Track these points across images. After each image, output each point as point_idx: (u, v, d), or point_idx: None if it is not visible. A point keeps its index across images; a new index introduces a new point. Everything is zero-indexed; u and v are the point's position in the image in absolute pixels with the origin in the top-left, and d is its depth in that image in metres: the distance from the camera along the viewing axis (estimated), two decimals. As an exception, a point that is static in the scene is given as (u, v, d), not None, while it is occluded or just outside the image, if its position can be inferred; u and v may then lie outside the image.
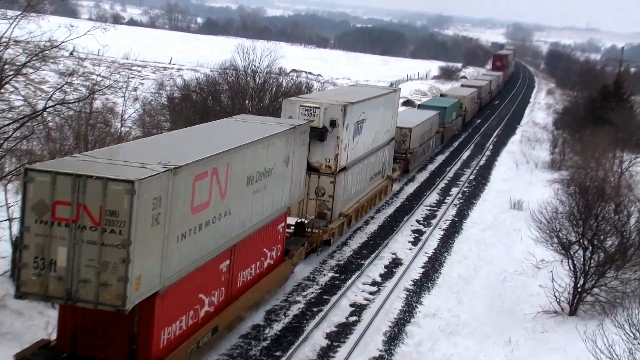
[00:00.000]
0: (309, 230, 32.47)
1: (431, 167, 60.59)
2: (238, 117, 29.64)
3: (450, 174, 58.31)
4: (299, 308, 27.89)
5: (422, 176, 56.20)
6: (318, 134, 32.97)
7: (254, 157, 23.57)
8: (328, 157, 33.96)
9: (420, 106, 73.51)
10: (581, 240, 28.74)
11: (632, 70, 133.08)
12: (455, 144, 74.73)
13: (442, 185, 53.94)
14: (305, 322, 26.58)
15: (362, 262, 34.23)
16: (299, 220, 32.02)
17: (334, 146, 33.86)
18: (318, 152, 33.86)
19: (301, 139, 28.29)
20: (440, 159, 64.81)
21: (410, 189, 51.34)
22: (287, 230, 29.90)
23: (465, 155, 68.67)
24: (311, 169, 33.33)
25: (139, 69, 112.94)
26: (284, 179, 26.81)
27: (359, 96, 38.59)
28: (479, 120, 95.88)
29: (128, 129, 46.94)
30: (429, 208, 46.49)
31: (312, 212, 34.24)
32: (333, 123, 33.51)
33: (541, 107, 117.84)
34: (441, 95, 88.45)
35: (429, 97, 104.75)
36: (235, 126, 27.04)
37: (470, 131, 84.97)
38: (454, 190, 52.07)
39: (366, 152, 39.82)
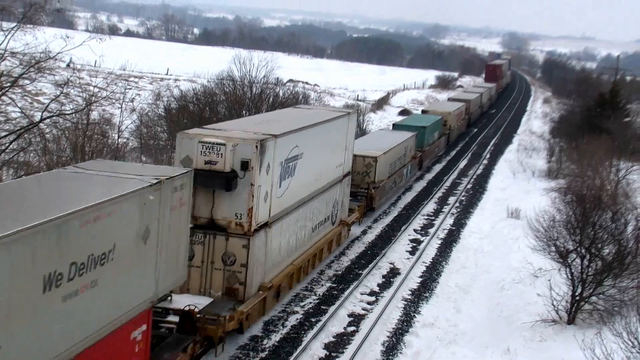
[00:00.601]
0: (202, 321, 22.33)
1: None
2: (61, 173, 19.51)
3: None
4: (297, 318, 27.84)
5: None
6: (223, 181, 24.33)
7: (60, 242, 14.51)
8: (239, 212, 24.69)
9: (395, 126, 61.61)
10: (579, 249, 28.73)
11: (628, 78, 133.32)
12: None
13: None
14: (303, 332, 26.54)
15: (360, 272, 34.18)
16: (186, 309, 21.98)
17: (246, 197, 24.62)
18: (225, 205, 24.87)
19: (176, 197, 19.42)
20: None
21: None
22: (167, 324, 21.76)
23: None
24: (217, 227, 24.96)
25: (136, 79, 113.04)
26: (140, 263, 17.87)
27: (292, 124, 29.66)
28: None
29: (125, 140, 46.98)
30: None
31: (219, 287, 25.21)
32: (245, 165, 24.54)
33: (538, 116, 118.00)
34: (423, 111, 77.56)
35: (426, 105, 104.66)
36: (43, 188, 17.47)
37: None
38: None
39: (304, 198, 30.49)
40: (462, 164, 68.80)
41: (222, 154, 24.07)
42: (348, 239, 39.28)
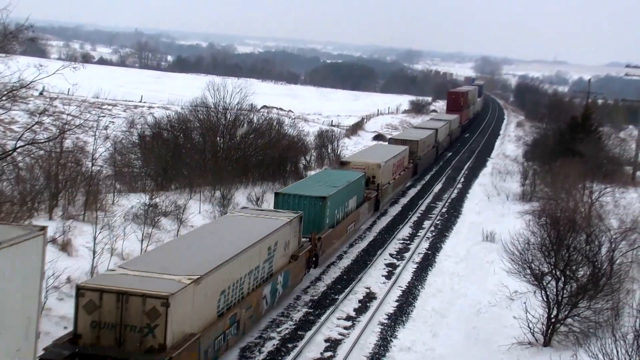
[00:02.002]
0: None
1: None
2: None
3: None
4: (274, 344, 27.75)
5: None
6: None
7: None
8: None
9: (279, 196, 39.49)
10: (553, 271, 28.87)
11: (600, 102, 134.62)
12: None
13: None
14: (280, 358, 26.44)
15: (336, 296, 34.15)
16: None
17: None
18: None
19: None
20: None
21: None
22: None
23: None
24: None
25: (110, 107, 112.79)
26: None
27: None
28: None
29: (99, 167, 46.76)
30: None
31: None
32: None
33: (511, 139, 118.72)
34: (342, 163, 54.72)
35: (400, 132, 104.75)
36: None
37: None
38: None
39: None
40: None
41: None
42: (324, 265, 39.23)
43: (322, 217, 38.56)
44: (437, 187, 68.95)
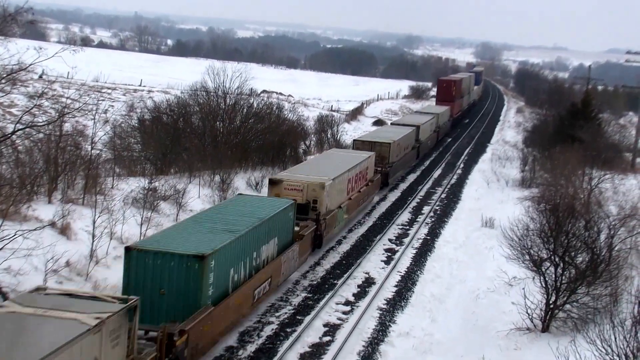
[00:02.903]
0: None
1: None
2: None
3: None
4: (273, 329, 27.79)
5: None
6: None
7: None
8: None
9: (131, 254, 23.81)
10: (552, 257, 28.89)
11: (600, 88, 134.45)
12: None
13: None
14: (278, 343, 26.49)
15: (335, 281, 34.19)
16: None
17: None
18: None
19: None
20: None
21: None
22: None
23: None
24: None
25: (109, 91, 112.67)
26: None
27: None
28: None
29: (98, 151, 46.70)
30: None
31: None
32: None
33: (511, 126, 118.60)
34: (272, 182, 39.33)
35: (400, 117, 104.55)
36: None
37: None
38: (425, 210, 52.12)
39: None
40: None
41: None
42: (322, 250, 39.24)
43: (197, 288, 23.38)
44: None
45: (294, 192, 37.84)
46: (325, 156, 51.51)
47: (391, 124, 77.04)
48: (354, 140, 60.68)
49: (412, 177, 65.16)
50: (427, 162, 74.28)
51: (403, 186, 60.38)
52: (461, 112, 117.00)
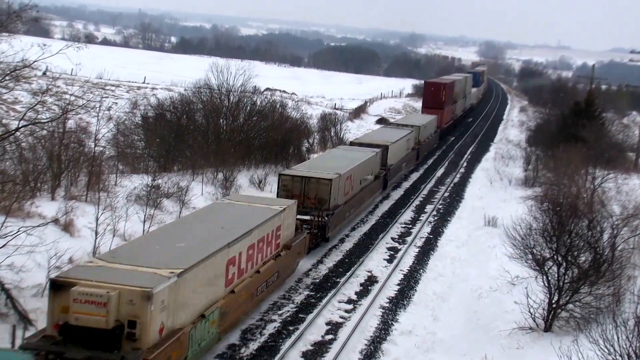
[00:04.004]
0: None
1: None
2: None
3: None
4: (275, 327, 27.81)
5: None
6: None
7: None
8: None
9: None
10: (555, 257, 28.87)
11: (603, 87, 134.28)
12: None
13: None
14: (281, 341, 26.50)
15: (338, 280, 34.19)
16: None
17: None
18: None
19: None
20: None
21: (348, 244, 40.16)
22: None
23: None
24: None
25: (113, 88, 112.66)
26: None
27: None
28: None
29: (102, 148, 46.77)
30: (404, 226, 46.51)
31: None
32: None
33: (514, 124, 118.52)
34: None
35: (403, 115, 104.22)
36: None
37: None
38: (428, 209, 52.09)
39: None
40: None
41: None
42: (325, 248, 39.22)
43: None
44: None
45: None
46: (216, 209, 32.68)
47: (350, 142, 56.64)
48: (281, 174, 39.99)
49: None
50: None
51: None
52: (453, 121, 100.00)
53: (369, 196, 48.51)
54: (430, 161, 73.89)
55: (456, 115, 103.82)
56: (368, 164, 47.40)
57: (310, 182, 38.82)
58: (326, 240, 38.83)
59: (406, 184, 60.45)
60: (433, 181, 62.95)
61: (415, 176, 64.77)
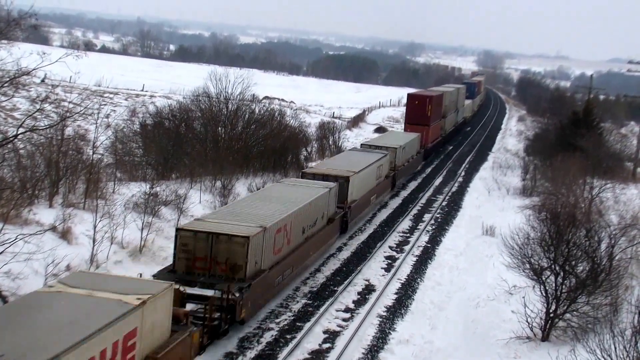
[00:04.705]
0: None
1: (380, 217, 48.40)
2: None
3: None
4: (272, 335, 27.78)
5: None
6: None
7: None
8: None
9: None
10: (553, 266, 28.89)
11: (601, 97, 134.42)
12: None
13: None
14: (278, 349, 26.48)
15: (336, 288, 34.18)
16: None
17: None
18: None
19: None
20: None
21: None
22: None
23: None
24: None
25: (111, 95, 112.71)
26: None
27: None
28: None
29: (100, 156, 46.74)
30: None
31: None
32: None
33: (512, 134, 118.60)
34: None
35: (394, 129, 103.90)
36: None
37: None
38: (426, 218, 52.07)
39: None
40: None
41: None
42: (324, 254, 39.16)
43: None
44: None
45: None
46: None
47: (302, 174, 45.14)
48: (177, 228, 29.05)
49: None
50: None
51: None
52: (442, 138, 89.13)
53: (317, 247, 37.37)
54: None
55: (445, 131, 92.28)
56: (317, 204, 36.60)
57: (219, 240, 27.54)
58: (241, 323, 27.56)
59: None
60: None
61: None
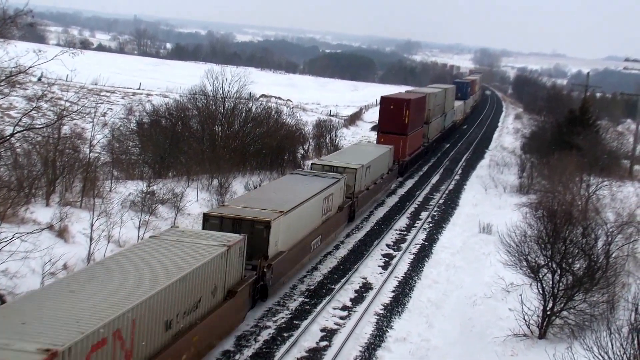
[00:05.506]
0: None
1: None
2: None
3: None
4: (270, 333, 27.77)
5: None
6: None
7: None
8: None
9: None
10: (550, 264, 28.89)
11: (598, 95, 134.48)
12: None
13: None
14: (275, 347, 26.47)
15: (333, 286, 34.17)
16: None
17: None
18: None
19: None
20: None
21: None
22: None
23: None
24: None
25: (108, 94, 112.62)
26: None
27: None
28: None
29: (97, 154, 46.71)
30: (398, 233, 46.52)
31: None
32: None
33: (509, 132, 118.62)
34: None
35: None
36: None
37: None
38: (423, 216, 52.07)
39: None
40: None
41: None
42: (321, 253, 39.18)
43: None
44: None
45: None
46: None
47: (205, 214, 31.66)
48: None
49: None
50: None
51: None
52: (424, 148, 77.27)
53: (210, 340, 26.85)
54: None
55: (429, 139, 79.97)
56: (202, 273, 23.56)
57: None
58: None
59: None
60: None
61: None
